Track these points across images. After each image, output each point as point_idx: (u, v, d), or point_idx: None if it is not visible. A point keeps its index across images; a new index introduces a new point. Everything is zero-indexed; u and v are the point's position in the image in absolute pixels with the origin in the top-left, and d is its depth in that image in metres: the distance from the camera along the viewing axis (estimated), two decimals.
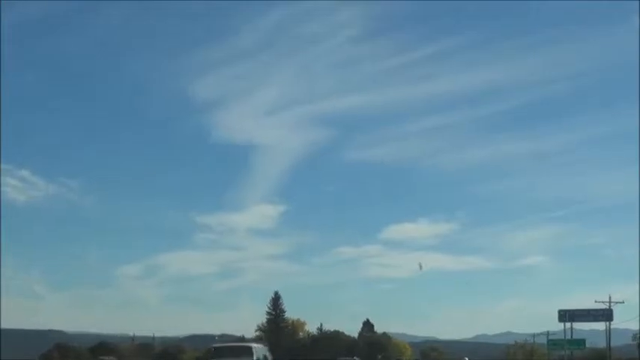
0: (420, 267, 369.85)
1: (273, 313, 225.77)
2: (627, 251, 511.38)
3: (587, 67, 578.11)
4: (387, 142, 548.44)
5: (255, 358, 52.38)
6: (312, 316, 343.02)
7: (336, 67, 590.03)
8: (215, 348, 59.72)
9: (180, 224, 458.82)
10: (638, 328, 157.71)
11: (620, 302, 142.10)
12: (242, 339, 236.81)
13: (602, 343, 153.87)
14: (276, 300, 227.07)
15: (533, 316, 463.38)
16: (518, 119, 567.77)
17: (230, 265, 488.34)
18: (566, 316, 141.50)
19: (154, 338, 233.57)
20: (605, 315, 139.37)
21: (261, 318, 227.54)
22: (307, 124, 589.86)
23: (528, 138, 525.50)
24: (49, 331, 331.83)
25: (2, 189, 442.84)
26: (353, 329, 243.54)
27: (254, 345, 56.98)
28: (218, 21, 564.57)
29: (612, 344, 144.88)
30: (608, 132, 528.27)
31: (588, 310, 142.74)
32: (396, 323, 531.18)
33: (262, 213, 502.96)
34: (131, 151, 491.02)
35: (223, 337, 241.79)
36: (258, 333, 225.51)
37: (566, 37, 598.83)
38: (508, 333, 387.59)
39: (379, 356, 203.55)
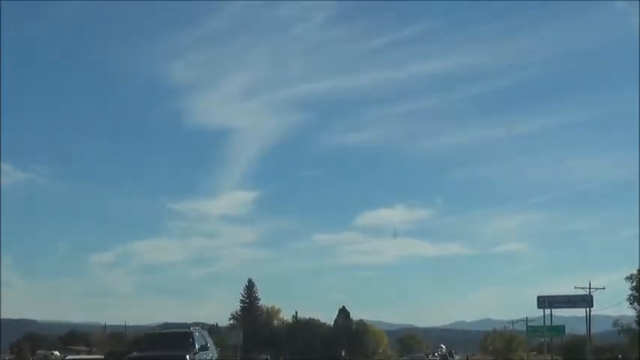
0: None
1: (247, 300, 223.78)
2: (607, 237, 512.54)
3: (565, 51, 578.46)
4: (363, 126, 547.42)
5: (197, 347, 42.81)
6: (288, 304, 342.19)
7: (310, 50, 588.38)
8: (146, 336, 52.16)
9: (152, 211, 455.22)
10: (618, 314, 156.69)
11: (601, 288, 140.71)
12: (215, 327, 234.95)
13: (582, 330, 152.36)
14: (250, 287, 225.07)
15: (512, 303, 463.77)
16: (496, 103, 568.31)
17: (203, 253, 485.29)
18: (545, 302, 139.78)
19: (125, 327, 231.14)
20: (585, 301, 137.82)
21: (235, 306, 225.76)
22: (281, 109, 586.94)
23: (506, 123, 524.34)
24: (20, 320, 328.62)
25: None
26: (329, 317, 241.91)
27: (196, 333, 44.84)
28: (188, 5, 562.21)
29: (592, 331, 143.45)
30: (587, 117, 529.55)
31: (568, 297, 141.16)
32: (373, 311, 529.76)
33: (236, 199, 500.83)
34: (102, 137, 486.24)
35: (196, 325, 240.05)
36: (232, 321, 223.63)
37: (543, 20, 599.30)
38: (487, 320, 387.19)
39: (343, 352, 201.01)
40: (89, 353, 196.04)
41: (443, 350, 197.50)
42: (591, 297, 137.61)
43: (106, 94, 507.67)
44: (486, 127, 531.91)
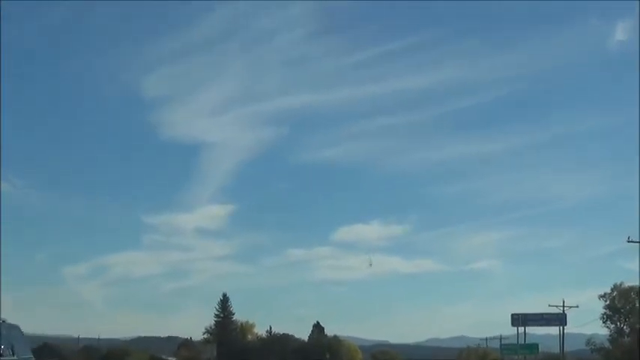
0: (370, 262, 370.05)
1: (222, 315, 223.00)
2: (581, 255, 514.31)
3: (540, 69, 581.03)
4: (339, 141, 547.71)
5: None
6: (262, 319, 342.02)
7: (286, 64, 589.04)
8: None
9: (126, 224, 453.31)
10: (591, 332, 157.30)
11: (574, 307, 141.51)
12: (189, 341, 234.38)
13: (555, 348, 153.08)
14: (224, 302, 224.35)
15: (486, 320, 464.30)
16: (471, 121, 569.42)
17: (177, 266, 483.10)
18: (519, 320, 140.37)
19: (99, 340, 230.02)
20: (559, 319, 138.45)
21: (209, 320, 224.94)
22: (257, 123, 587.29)
23: (480, 140, 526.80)
24: None
25: None
26: (303, 332, 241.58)
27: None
28: (165, 17, 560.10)
29: (566, 349, 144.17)
30: (561, 134, 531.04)
31: (542, 315, 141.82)
32: (347, 326, 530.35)
33: (210, 213, 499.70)
34: (77, 149, 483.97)
35: (170, 339, 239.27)
36: (206, 335, 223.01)
37: (520, 38, 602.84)
38: (461, 337, 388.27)
39: None
40: None
41: None
42: (565, 315, 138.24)
43: (81, 107, 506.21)
44: (462, 143, 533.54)
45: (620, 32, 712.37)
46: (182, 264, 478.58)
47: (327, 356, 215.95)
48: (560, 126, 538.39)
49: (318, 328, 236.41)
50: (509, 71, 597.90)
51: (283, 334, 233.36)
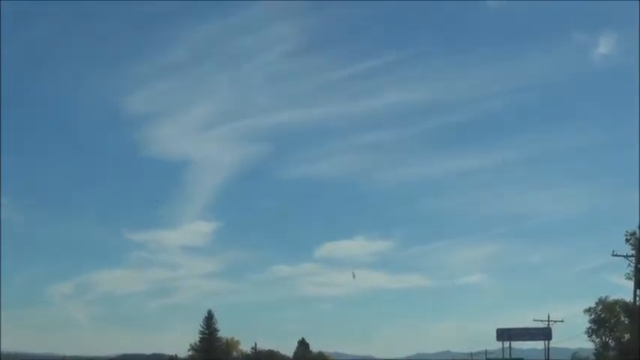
0: (353, 275, 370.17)
1: (207, 332, 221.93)
2: (566, 270, 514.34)
3: (524, 85, 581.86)
4: (323, 158, 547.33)
5: None
6: (247, 336, 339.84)
7: (270, 81, 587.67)
8: None
9: (111, 242, 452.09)
10: (576, 347, 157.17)
11: (559, 321, 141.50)
12: (175, 358, 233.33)
13: None
14: (209, 319, 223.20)
15: (472, 335, 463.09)
16: (455, 136, 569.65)
17: (163, 284, 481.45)
18: (504, 334, 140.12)
19: (85, 358, 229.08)
20: (544, 334, 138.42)
21: (194, 337, 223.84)
22: (241, 140, 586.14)
23: (465, 156, 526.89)
24: None
25: None
26: (288, 349, 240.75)
27: None
28: (147, 35, 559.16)
29: None
30: (547, 150, 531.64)
31: (527, 329, 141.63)
32: (333, 342, 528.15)
33: (196, 230, 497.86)
34: (61, 167, 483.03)
35: (155, 357, 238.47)
36: (191, 352, 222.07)
37: (503, 54, 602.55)
38: (446, 352, 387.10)
39: None
40: None
41: None
42: (550, 330, 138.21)
43: (65, 125, 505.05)
44: (447, 159, 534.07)
45: (603, 46, 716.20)
46: (167, 281, 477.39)
47: None
48: (545, 141, 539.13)
49: (303, 344, 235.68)
50: (492, 88, 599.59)
51: (268, 350, 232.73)
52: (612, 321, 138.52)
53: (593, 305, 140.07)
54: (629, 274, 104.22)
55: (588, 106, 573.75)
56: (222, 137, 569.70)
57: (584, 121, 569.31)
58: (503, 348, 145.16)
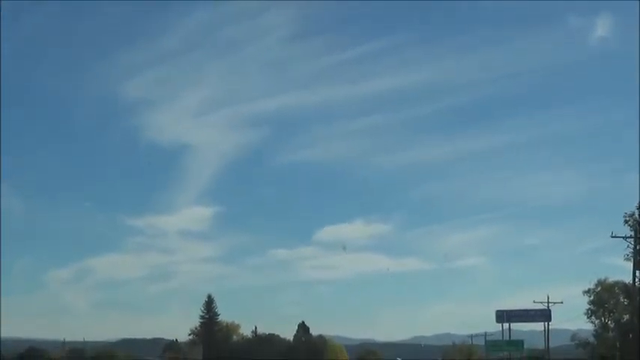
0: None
1: (207, 316, 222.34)
2: (565, 251, 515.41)
3: (522, 68, 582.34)
4: (321, 142, 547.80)
5: None
6: (247, 319, 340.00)
7: (266, 67, 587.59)
8: None
9: (110, 227, 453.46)
10: (576, 328, 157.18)
11: (559, 302, 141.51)
12: (175, 343, 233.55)
13: (540, 344, 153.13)
14: (209, 303, 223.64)
15: (471, 318, 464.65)
16: (452, 120, 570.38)
17: (162, 269, 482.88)
18: (503, 316, 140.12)
19: (84, 343, 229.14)
20: (544, 315, 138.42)
21: (195, 321, 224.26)
22: (239, 125, 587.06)
23: (463, 139, 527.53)
24: None
25: None
26: (288, 332, 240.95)
27: None
28: (142, 22, 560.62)
29: (551, 345, 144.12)
30: (545, 133, 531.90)
31: (526, 311, 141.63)
32: (332, 325, 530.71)
33: (194, 215, 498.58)
34: (59, 153, 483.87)
35: (155, 341, 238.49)
36: (191, 337, 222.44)
37: (499, 38, 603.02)
38: (446, 334, 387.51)
39: None
40: None
41: None
42: (549, 311, 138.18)
43: (62, 113, 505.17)
44: (444, 143, 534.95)
45: (601, 29, 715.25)
46: (166, 266, 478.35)
47: None
48: (543, 124, 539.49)
49: (303, 327, 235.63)
50: (492, 71, 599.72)
51: (269, 334, 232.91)
52: (611, 302, 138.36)
53: (592, 287, 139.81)
54: (628, 255, 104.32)
55: (587, 89, 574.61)
56: (220, 122, 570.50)
57: (583, 104, 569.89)
58: (502, 330, 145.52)
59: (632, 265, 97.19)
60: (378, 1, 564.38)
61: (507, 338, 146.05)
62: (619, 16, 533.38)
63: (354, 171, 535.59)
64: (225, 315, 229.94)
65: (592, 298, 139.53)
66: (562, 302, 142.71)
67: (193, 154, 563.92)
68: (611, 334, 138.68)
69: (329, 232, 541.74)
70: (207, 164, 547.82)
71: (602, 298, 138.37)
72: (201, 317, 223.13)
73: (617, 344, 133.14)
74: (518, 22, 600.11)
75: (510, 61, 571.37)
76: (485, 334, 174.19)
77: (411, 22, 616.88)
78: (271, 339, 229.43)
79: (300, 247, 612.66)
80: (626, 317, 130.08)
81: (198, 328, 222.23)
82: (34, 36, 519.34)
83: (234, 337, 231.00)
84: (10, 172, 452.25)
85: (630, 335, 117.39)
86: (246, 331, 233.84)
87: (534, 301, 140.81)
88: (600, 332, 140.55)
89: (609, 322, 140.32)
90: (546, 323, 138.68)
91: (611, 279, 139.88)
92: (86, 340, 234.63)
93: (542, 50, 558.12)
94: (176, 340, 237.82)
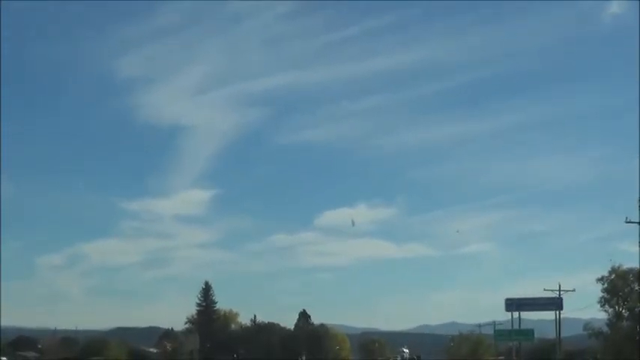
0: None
1: (204, 304, 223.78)
2: (577, 237, 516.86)
3: (530, 46, 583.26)
4: (323, 122, 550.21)
5: None
6: (246, 307, 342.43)
7: (266, 44, 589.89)
8: None
9: (103, 211, 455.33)
10: (589, 317, 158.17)
11: (571, 290, 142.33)
12: (171, 332, 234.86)
13: (551, 334, 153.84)
14: (206, 290, 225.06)
15: (479, 306, 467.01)
16: (460, 100, 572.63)
17: (157, 254, 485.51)
18: (513, 305, 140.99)
19: (77, 332, 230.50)
20: (555, 304, 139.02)
21: (191, 309, 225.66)
22: (238, 104, 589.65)
23: (468, 120, 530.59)
24: None
25: None
26: (289, 320, 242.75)
27: None
28: None
29: (562, 334, 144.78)
30: (554, 113, 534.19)
31: (537, 299, 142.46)
32: (334, 314, 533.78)
33: (191, 198, 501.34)
34: (50, 135, 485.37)
35: (150, 330, 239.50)
36: (188, 325, 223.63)
37: (508, 15, 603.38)
38: (452, 323, 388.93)
39: (303, 357, 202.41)
40: (39, 359, 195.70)
41: (405, 355, 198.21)
42: (561, 299, 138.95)
43: (54, 91, 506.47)
44: (449, 124, 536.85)
45: (616, 6, 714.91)
46: (162, 252, 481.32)
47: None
48: (551, 105, 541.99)
49: (304, 316, 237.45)
50: (499, 49, 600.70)
51: (268, 322, 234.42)
52: (626, 290, 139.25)
53: (605, 274, 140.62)
54: None
55: (601, 68, 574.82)
56: (218, 102, 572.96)
57: (597, 83, 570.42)
58: (512, 319, 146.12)
59: None
60: None
61: (517, 327, 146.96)
62: None
63: (357, 153, 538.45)
64: (223, 303, 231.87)
65: (605, 285, 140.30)
66: (574, 290, 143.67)
67: (191, 134, 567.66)
68: (625, 323, 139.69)
69: (331, 217, 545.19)
70: (205, 145, 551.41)
71: (616, 285, 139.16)
72: (198, 305, 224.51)
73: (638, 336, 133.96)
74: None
75: (518, 39, 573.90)
76: (494, 323, 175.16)
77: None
78: (271, 328, 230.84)
79: (301, 232, 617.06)
80: None
81: (195, 317, 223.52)
82: (25, 10, 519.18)
83: (233, 326, 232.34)
84: (1, 153, 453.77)
85: None
86: (244, 319, 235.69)
87: (545, 289, 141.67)
88: (614, 321, 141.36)
89: (623, 310, 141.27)
90: (557, 312, 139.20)
91: (626, 266, 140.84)
92: (78, 328, 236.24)
93: (551, 27, 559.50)
94: (172, 328, 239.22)
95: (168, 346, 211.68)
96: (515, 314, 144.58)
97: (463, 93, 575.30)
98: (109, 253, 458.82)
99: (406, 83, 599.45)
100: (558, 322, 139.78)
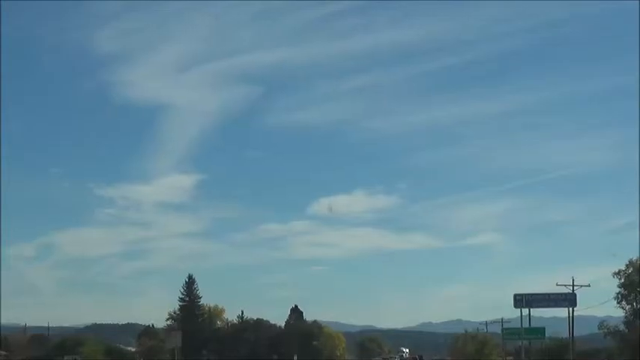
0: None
1: (187, 299, 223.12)
2: (592, 228, 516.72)
3: (541, 21, 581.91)
4: (317, 102, 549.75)
5: None
6: (232, 303, 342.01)
7: (255, 18, 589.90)
8: None
9: (78, 197, 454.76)
10: (604, 315, 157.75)
11: (585, 286, 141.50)
12: (151, 329, 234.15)
13: (564, 332, 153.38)
14: (190, 284, 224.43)
15: (486, 302, 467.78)
16: (466, 78, 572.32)
17: (137, 245, 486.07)
18: (522, 301, 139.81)
19: (49, 328, 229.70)
20: (568, 300, 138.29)
21: (174, 304, 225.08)
22: (225, 82, 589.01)
23: (477, 99, 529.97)
24: None
25: None
26: (279, 317, 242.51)
27: None
28: None
29: (576, 333, 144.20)
30: (568, 94, 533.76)
31: (548, 295, 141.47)
32: (329, 310, 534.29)
33: (174, 184, 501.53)
34: (21, 114, 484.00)
35: (129, 327, 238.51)
36: (169, 322, 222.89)
37: None
38: (457, 321, 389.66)
39: (295, 357, 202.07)
40: (8, 358, 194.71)
41: (405, 354, 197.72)
42: (574, 295, 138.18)
43: (24, 67, 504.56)
44: (452, 104, 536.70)
45: None
46: (142, 242, 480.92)
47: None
48: (569, 82, 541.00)
49: (296, 312, 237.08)
50: (506, 24, 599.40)
51: (257, 319, 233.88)
52: None
53: (623, 268, 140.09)
54: None
55: (617, 46, 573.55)
56: (203, 80, 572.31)
57: (613, 62, 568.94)
58: (521, 316, 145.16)
59: None
60: None
61: (527, 325, 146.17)
62: None
63: (355, 135, 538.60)
64: (207, 298, 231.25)
65: (623, 280, 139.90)
66: (589, 285, 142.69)
67: (173, 114, 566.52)
68: None
69: (326, 205, 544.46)
70: (189, 126, 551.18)
71: (635, 280, 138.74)
72: (181, 300, 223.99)
73: None
74: None
75: (529, 13, 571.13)
76: (502, 321, 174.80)
77: None
78: (260, 325, 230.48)
79: (294, 221, 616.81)
80: None
81: (178, 313, 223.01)
82: None
83: (218, 323, 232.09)
84: None
85: None
86: (231, 315, 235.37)
87: (557, 284, 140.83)
88: (632, 319, 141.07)
89: None
90: (571, 309, 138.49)
91: None
92: (51, 325, 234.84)
93: (571, 4, 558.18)
94: (152, 325, 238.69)
95: (149, 344, 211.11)
96: (525, 311, 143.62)
97: (469, 70, 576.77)
98: (84, 243, 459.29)
99: (407, 60, 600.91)
100: (571, 320, 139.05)
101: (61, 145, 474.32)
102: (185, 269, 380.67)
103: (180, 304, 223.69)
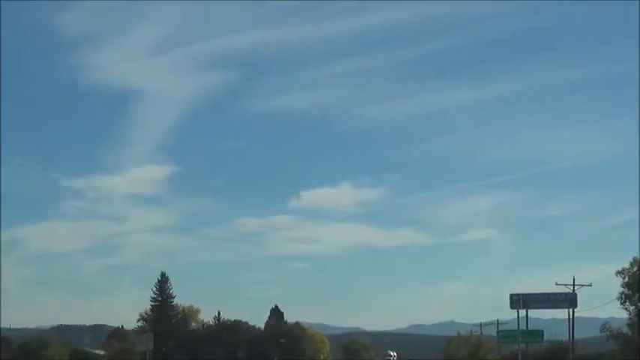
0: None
1: (160, 298, 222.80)
2: (593, 224, 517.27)
3: (541, 4, 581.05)
4: (300, 88, 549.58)
5: None
6: (208, 303, 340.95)
7: None
8: None
9: (42, 189, 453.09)
10: (607, 316, 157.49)
11: (587, 285, 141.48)
12: (121, 330, 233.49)
13: (564, 335, 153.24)
14: (162, 283, 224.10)
15: (481, 303, 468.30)
16: (459, 63, 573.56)
17: (106, 240, 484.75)
18: (519, 301, 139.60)
19: (10, 330, 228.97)
20: (568, 300, 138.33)
21: (145, 305, 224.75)
22: (201, 66, 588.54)
23: (471, 85, 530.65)
24: None
25: None
26: (258, 318, 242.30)
27: None
28: None
29: (576, 336, 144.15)
30: (567, 80, 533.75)
31: (547, 295, 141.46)
32: (312, 311, 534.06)
33: (145, 175, 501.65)
34: None
35: (97, 328, 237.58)
36: (140, 323, 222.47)
37: None
38: (450, 323, 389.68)
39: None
40: None
41: (393, 358, 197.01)
42: (575, 295, 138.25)
43: None
44: (446, 91, 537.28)
45: None
46: (112, 237, 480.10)
47: (282, 340, 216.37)
48: (566, 69, 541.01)
49: (276, 313, 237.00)
50: (502, 5, 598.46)
51: (234, 320, 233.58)
52: None
53: (626, 266, 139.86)
54: None
55: (620, 29, 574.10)
56: (178, 63, 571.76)
57: (615, 47, 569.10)
58: (518, 317, 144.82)
59: None
60: None
61: (524, 327, 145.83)
62: None
63: (341, 123, 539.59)
64: (181, 297, 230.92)
65: (626, 280, 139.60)
66: (590, 285, 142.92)
67: (145, 100, 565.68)
68: None
69: (309, 198, 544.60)
70: (162, 113, 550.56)
71: (639, 280, 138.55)
72: (153, 300, 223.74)
73: None
74: None
75: None
76: (498, 323, 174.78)
77: None
78: (238, 326, 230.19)
79: (274, 216, 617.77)
80: None
81: (149, 313, 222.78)
82: None
83: (193, 324, 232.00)
84: None
85: None
86: (207, 316, 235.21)
87: (557, 283, 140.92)
88: (635, 321, 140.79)
89: None
90: (571, 310, 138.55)
91: None
92: (12, 326, 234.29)
93: None
94: (122, 326, 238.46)
95: (118, 347, 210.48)
96: (522, 312, 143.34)
97: (461, 55, 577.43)
98: (49, 238, 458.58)
99: (396, 44, 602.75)
100: (572, 322, 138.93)
101: (24, 133, 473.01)
102: (157, 266, 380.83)
103: (152, 304, 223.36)
